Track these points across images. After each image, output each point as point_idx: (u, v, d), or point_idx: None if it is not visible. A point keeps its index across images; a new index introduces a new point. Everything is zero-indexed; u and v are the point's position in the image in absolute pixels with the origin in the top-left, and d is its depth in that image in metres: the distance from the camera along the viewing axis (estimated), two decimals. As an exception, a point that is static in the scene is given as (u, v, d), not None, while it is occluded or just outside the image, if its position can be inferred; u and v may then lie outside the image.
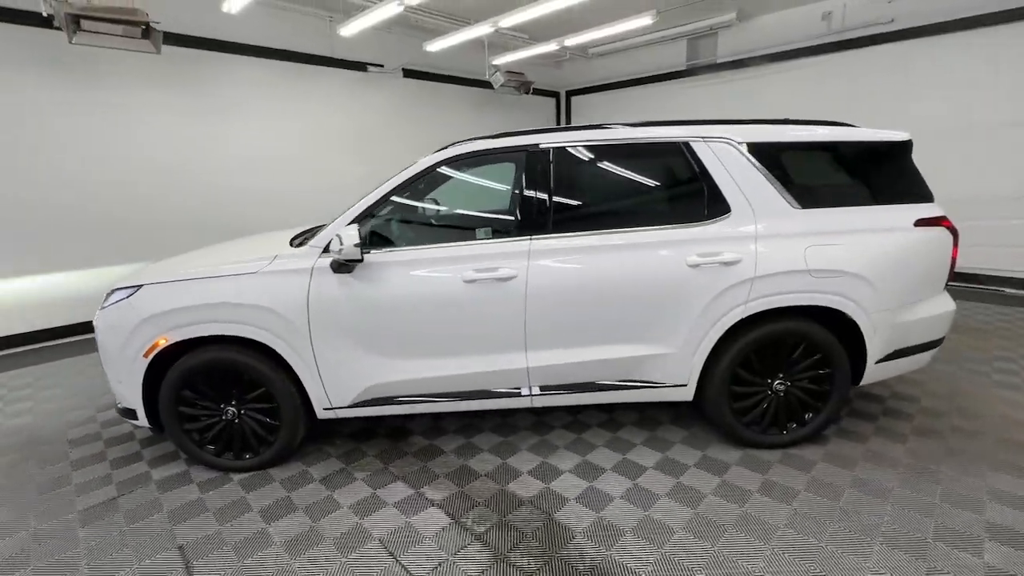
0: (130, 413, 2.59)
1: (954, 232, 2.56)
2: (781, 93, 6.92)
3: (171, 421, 2.56)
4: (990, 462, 2.48)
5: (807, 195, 2.52)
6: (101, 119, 4.68)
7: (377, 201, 2.50)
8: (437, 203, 2.97)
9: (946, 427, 2.82)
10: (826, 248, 2.43)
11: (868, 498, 2.26)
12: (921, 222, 2.50)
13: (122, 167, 4.87)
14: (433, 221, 2.86)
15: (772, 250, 2.43)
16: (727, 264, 2.41)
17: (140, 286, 2.52)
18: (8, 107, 4.25)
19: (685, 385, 2.57)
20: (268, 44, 5.64)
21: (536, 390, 2.59)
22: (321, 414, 2.60)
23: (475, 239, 2.52)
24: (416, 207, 2.72)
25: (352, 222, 2.46)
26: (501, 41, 6.99)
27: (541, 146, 2.54)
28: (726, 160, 2.50)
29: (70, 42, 3.93)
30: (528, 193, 2.51)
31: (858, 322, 2.48)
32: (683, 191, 2.55)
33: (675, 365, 2.53)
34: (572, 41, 6.10)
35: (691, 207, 2.51)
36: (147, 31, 4.18)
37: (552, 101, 9.48)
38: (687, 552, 1.99)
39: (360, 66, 6.56)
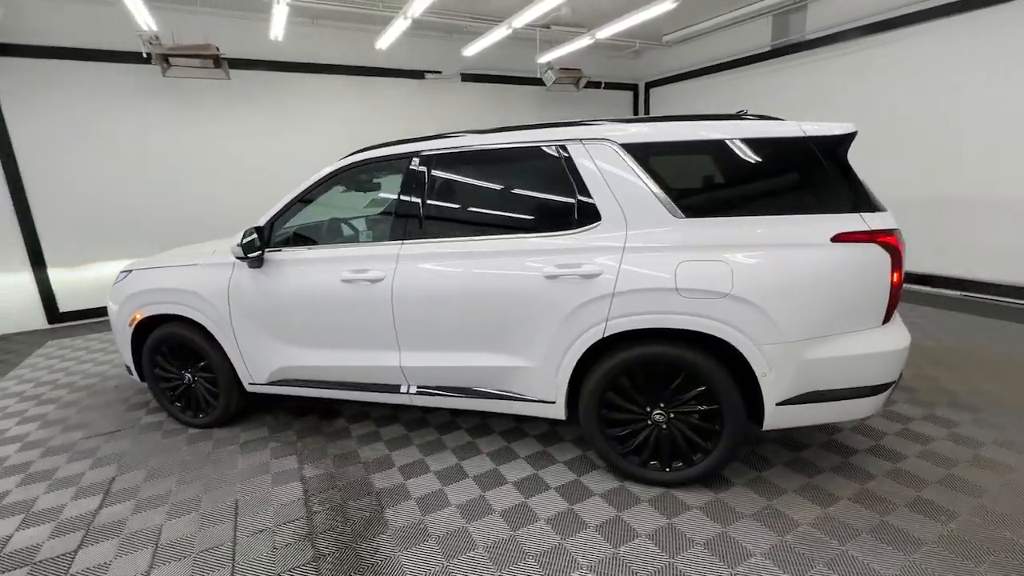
0: (129, 369, 3.32)
1: (892, 250, 1.99)
2: (889, 69, 5.69)
3: (151, 379, 3.22)
4: (922, 555, 1.91)
5: (694, 202, 2.19)
6: (187, 134, 5.84)
7: (284, 206, 2.81)
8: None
9: (906, 498, 2.21)
10: (702, 264, 2.09)
11: (713, 560, 1.93)
12: (841, 237, 2.00)
13: (204, 174, 6.00)
14: (332, 224, 3.09)
15: (638, 264, 2.17)
16: (586, 277, 2.23)
17: (131, 271, 3.20)
18: (123, 126, 5.55)
19: (554, 403, 2.44)
20: (328, 61, 6.40)
21: (414, 389, 2.68)
22: (248, 387, 3.03)
23: (358, 242, 2.69)
24: (318, 210, 2.97)
25: (264, 224, 2.81)
26: (556, 37, 6.90)
27: (422, 153, 2.60)
28: (602, 163, 2.29)
29: (163, 75, 5.01)
30: (405, 198, 2.60)
31: (745, 354, 2.09)
32: (555, 197, 2.39)
33: (540, 380, 2.42)
34: (603, 33, 5.79)
35: (561, 214, 2.36)
36: (217, 61, 5.12)
37: (629, 95, 9.02)
38: (470, 570, 1.94)
39: (417, 74, 7.06)
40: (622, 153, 2.27)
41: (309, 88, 6.39)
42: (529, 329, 2.36)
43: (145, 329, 3.15)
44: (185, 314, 2.95)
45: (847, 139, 2.08)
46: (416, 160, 2.60)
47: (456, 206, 2.58)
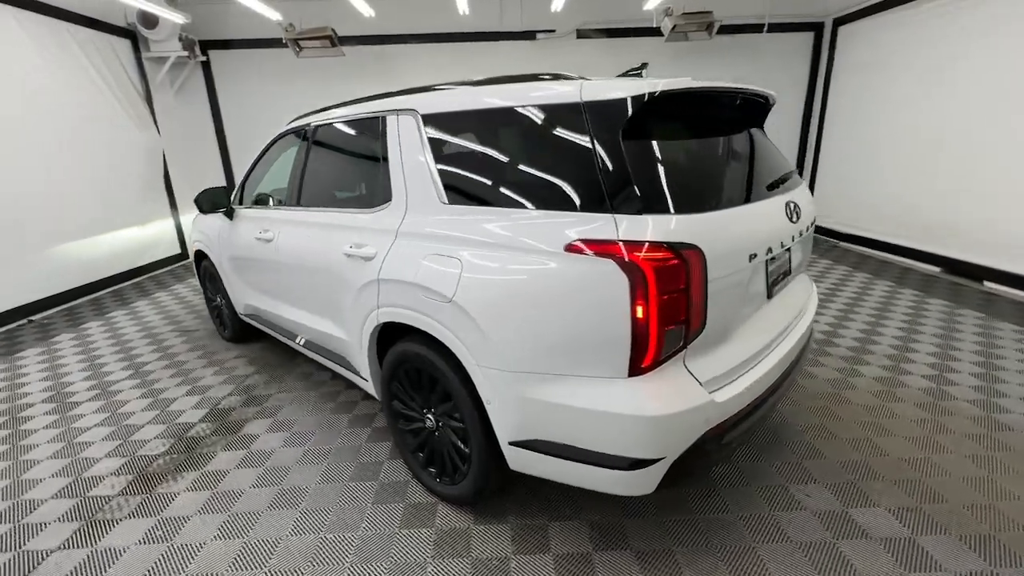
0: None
1: (635, 272, 1.33)
2: None
3: (205, 295, 4.30)
4: None
5: (459, 185, 1.84)
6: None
7: (247, 171, 3.33)
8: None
9: (678, 623, 1.56)
10: (442, 260, 1.78)
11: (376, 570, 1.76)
12: (575, 246, 1.44)
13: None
14: (274, 189, 3.44)
15: (402, 251, 1.97)
16: (366, 260, 2.12)
17: (196, 216, 4.25)
18: (283, 99, 6.97)
19: (367, 380, 2.43)
20: (437, 30, 6.75)
21: (302, 341, 2.98)
22: (241, 316, 3.78)
23: (271, 206, 3.03)
24: (265, 175, 3.35)
25: (238, 185, 3.39)
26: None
27: (311, 124, 2.74)
28: (404, 137, 2.08)
29: (297, 56, 6.14)
30: (294, 167, 2.81)
31: (469, 372, 1.73)
32: (371, 173, 2.27)
33: (356, 355, 2.43)
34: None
35: (371, 191, 2.25)
36: (333, 41, 6.00)
37: (807, 38, 6.99)
38: (224, 502, 2.21)
39: (529, 35, 6.88)
40: (420, 126, 2.02)
41: (419, 57, 6.90)
42: (339, 304, 2.38)
43: (200, 259, 4.19)
44: (207, 252, 3.83)
45: (625, 105, 1.44)
46: (302, 132, 2.77)
47: (318, 177, 2.67)
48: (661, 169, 1.47)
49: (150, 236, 6.37)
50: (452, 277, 1.72)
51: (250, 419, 2.91)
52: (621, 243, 1.37)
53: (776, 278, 1.88)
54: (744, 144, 1.89)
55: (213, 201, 3.30)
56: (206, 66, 6.88)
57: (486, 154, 1.80)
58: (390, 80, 6.96)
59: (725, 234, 1.47)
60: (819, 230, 7.27)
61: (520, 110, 1.68)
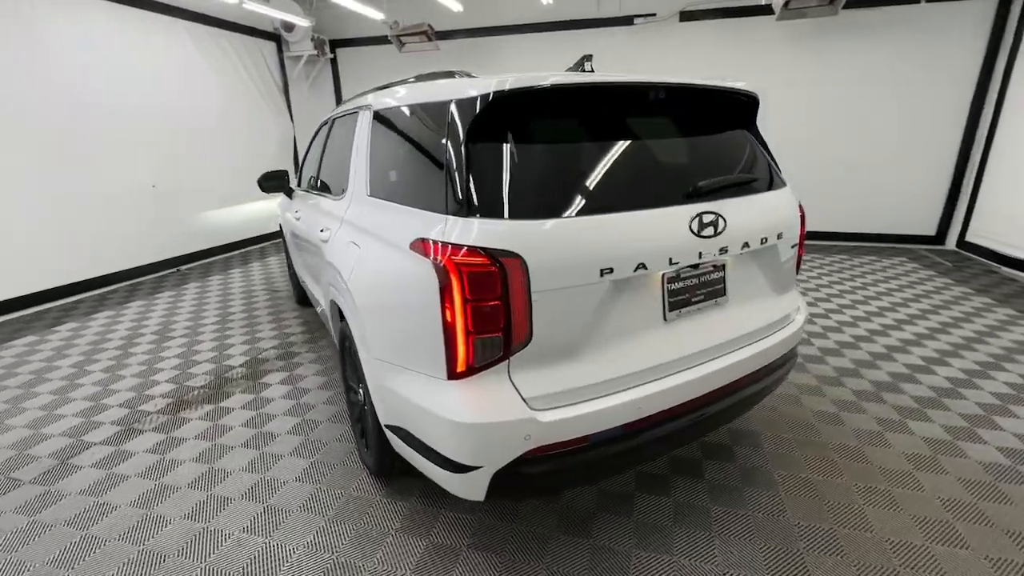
0: (289, 255, 5.25)
1: (443, 275, 1.31)
2: None
3: (287, 262, 5.04)
4: None
5: (375, 179, 1.96)
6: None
7: (303, 156, 3.81)
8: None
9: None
10: (351, 247, 1.93)
11: (253, 539, 2.00)
12: (414, 245, 1.46)
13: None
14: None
15: (339, 236, 2.16)
16: (323, 242, 2.36)
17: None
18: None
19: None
20: (526, 20, 6.74)
21: (320, 309, 3.37)
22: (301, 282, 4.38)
23: (303, 189, 3.45)
24: (314, 161, 3.76)
25: (299, 169, 3.91)
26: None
27: (332, 116, 3.05)
28: (361, 130, 2.26)
29: (399, 51, 6.70)
30: (318, 155, 3.16)
31: (358, 352, 1.86)
32: (347, 163, 2.47)
33: (331, 325, 2.70)
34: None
35: (344, 180, 2.45)
36: (429, 36, 6.42)
37: (987, 7, 5.50)
38: (213, 435, 2.68)
39: (626, 20, 6.54)
40: (370, 121, 2.17)
41: (510, 49, 6.99)
42: (321, 279, 2.67)
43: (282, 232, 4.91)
44: (282, 226, 4.48)
45: (473, 104, 1.41)
46: (327, 123, 3.10)
47: (324, 166, 2.98)
48: (502, 171, 1.41)
49: (276, 209, 7.56)
50: (351, 264, 1.86)
51: (273, 371, 3.41)
52: (439, 244, 1.37)
53: (690, 298, 1.66)
54: (670, 147, 1.68)
55: (269, 182, 3.84)
56: (334, 62, 7.86)
57: (394, 151, 1.88)
58: (482, 72, 7.22)
59: (563, 245, 1.36)
60: (975, 249, 5.81)
61: (418, 108, 1.73)
